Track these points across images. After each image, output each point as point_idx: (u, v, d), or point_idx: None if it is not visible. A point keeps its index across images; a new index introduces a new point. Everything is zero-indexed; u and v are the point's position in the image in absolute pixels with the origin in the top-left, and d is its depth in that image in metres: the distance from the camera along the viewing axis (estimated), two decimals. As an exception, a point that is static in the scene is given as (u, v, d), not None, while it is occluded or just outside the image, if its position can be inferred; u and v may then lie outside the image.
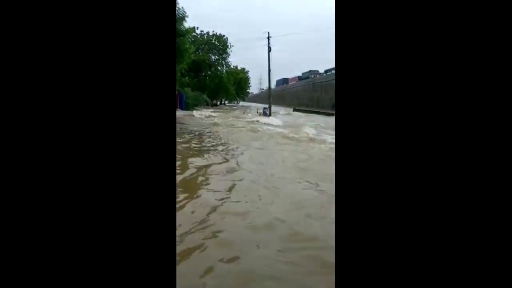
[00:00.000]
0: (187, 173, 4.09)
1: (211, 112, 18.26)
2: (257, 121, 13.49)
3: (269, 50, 19.53)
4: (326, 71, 42.50)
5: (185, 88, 19.89)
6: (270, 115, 18.52)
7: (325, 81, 39.07)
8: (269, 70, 20.04)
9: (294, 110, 27.40)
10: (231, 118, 14.22)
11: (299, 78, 51.24)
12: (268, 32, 19.62)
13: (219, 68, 30.05)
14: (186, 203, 2.93)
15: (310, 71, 48.26)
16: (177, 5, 10.51)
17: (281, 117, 17.92)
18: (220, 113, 17.62)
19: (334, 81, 36.62)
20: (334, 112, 23.17)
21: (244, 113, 21.29)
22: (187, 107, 20.32)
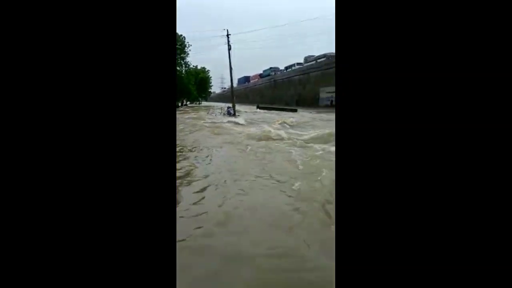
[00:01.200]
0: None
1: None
2: (222, 121, 13.09)
3: (229, 48, 19.23)
4: (286, 68, 43.32)
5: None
6: (234, 114, 18.24)
7: (286, 78, 39.83)
8: (231, 68, 19.76)
9: (258, 107, 27.44)
10: (190, 120, 13.57)
11: (260, 75, 51.65)
12: (227, 30, 19.29)
13: (177, 68, 29.02)
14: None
15: (270, 68, 48.87)
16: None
17: (246, 116, 17.69)
18: (179, 116, 16.90)
19: (294, 78, 37.60)
20: (296, 108, 23.72)
21: (208, 113, 20.73)
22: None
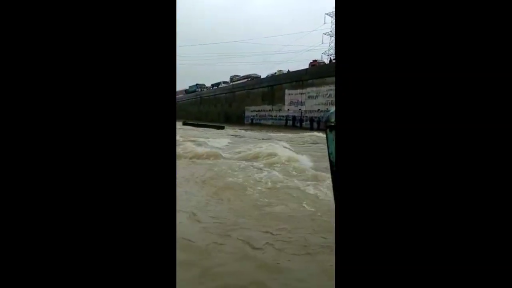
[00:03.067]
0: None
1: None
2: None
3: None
4: (212, 85, 43.82)
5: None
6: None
7: (212, 95, 40.17)
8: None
9: (184, 124, 26.84)
10: None
11: (186, 91, 50.83)
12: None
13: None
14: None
15: (196, 84, 48.64)
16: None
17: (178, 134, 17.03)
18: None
19: (221, 95, 38.19)
20: (224, 125, 24.06)
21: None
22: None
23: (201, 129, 21.51)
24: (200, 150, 7.90)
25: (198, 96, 43.82)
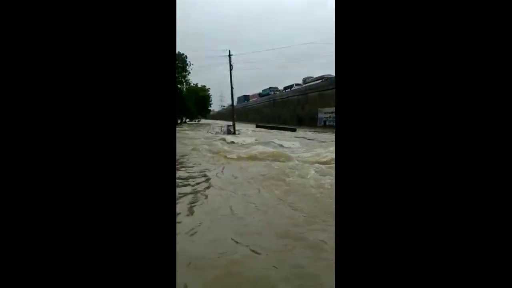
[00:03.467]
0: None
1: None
2: (225, 140, 13.08)
3: (231, 68, 19.68)
4: (285, 88, 44.06)
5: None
6: (234, 132, 18.38)
7: (285, 98, 40.42)
8: (231, 87, 20.14)
9: (257, 126, 27.66)
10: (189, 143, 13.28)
11: (259, 95, 52.41)
12: (229, 50, 19.83)
13: (178, 86, 29.48)
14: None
15: (270, 88, 49.68)
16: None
17: (249, 135, 17.70)
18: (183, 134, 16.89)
19: (293, 98, 38.13)
20: (295, 128, 23.88)
21: (208, 131, 20.85)
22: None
23: (274, 131, 21.77)
24: (270, 151, 8.11)
25: (271, 99, 44.64)
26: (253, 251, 2.27)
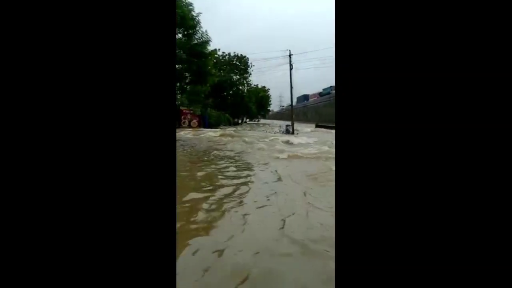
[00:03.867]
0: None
1: (233, 131, 18.29)
2: (280, 139, 13.15)
3: (291, 68, 19.66)
4: (347, 86, 42.01)
5: (209, 109, 20.35)
6: (293, 132, 18.30)
7: (347, 96, 38.55)
8: (291, 87, 20.09)
9: (317, 126, 27.05)
10: (252, 140, 13.85)
11: (320, 94, 51.08)
12: (289, 50, 19.81)
13: (240, 87, 30.64)
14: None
15: (330, 86, 48.03)
16: (201, 29, 10.86)
17: (306, 134, 17.43)
18: (240, 132, 17.50)
19: (356, 96, 36.23)
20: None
21: (266, 131, 21.22)
22: (210, 126, 20.74)
23: (334, 131, 21.02)
24: (325, 149, 8.13)
25: (331, 98, 43.14)
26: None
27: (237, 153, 8.03)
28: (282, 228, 2.55)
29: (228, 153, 7.82)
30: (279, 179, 4.75)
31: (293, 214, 2.94)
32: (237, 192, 3.83)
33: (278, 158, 7.25)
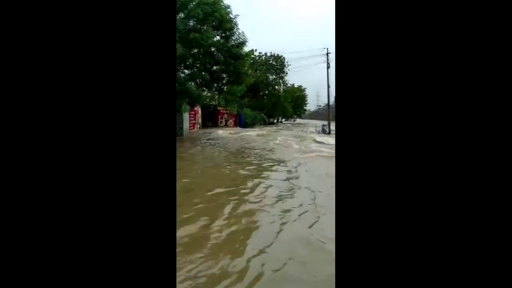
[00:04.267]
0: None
1: (268, 130, 18.40)
2: (314, 139, 12.98)
3: (328, 66, 19.22)
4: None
5: (244, 108, 20.70)
6: (329, 132, 17.89)
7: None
8: (328, 86, 19.64)
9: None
10: (285, 138, 13.89)
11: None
12: (327, 49, 19.40)
13: (276, 87, 30.64)
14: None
15: (371, 85, 45.75)
16: (238, 30, 11.10)
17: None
18: (274, 131, 17.55)
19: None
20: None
21: (301, 130, 20.99)
22: (246, 125, 21.07)
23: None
24: None
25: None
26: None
27: (269, 150, 8.32)
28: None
29: (265, 152, 8.07)
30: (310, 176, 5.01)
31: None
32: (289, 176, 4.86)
33: (313, 157, 7.31)
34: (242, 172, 5.43)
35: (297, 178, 4.99)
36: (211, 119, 20.39)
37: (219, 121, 20.76)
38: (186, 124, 14.76)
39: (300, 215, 3.10)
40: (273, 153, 7.92)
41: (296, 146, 9.64)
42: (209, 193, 3.81)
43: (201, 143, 10.68)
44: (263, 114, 26.26)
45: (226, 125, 20.70)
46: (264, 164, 6.32)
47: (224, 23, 10.66)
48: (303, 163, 6.46)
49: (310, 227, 2.77)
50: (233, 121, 21.30)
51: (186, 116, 14.52)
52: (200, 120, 18.52)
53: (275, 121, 34.29)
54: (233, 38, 11.18)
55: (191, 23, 10.25)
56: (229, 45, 10.93)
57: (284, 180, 4.76)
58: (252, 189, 4.13)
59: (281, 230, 2.70)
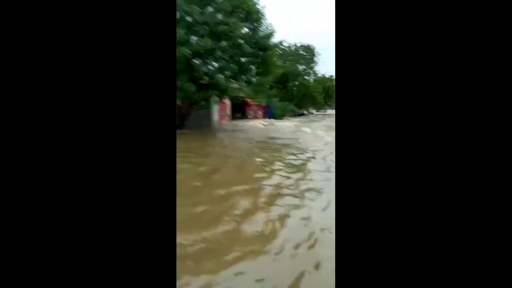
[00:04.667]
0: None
1: (297, 122, 18.19)
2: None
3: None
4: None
5: (273, 99, 20.67)
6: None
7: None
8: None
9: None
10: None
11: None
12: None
13: (306, 77, 30.10)
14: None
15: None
16: (265, 21, 11.08)
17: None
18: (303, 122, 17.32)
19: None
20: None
21: (332, 121, 20.51)
22: (275, 117, 21.07)
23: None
24: None
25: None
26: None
27: (295, 138, 8.51)
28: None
29: (294, 143, 8.25)
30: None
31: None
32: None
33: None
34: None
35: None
36: (240, 111, 20.68)
37: (247, 113, 20.99)
38: (215, 117, 15.14)
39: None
40: (293, 145, 8.06)
41: (329, 138, 9.60)
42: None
43: (231, 135, 10.94)
44: (292, 106, 26.01)
45: (255, 117, 20.87)
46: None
47: (252, 14, 10.69)
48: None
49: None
50: (262, 113, 21.39)
51: (215, 108, 14.89)
52: (229, 113, 18.87)
53: (305, 112, 33.79)
54: (261, 29, 11.18)
55: (220, 16, 10.41)
56: (257, 36, 10.96)
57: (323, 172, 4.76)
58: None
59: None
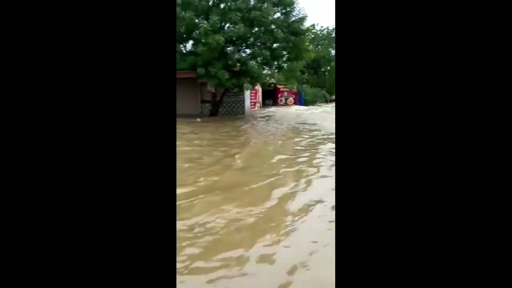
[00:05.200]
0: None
1: (329, 108, 17.83)
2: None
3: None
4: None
5: (304, 86, 20.43)
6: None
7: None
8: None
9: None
10: None
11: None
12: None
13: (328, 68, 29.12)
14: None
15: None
16: (298, 5, 10.93)
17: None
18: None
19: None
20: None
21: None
22: (306, 103, 20.87)
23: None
24: None
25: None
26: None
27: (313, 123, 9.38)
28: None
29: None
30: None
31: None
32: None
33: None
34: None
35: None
36: (271, 98, 20.70)
37: (278, 99, 20.94)
38: (247, 103, 15.39)
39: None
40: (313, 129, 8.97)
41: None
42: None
43: (265, 121, 11.12)
44: (324, 92, 25.47)
45: (285, 103, 20.81)
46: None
47: (283, -1, 10.61)
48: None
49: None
50: (293, 99, 21.22)
51: (247, 94, 15.12)
52: (260, 99, 19.00)
53: (326, 100, 32.79)
54: (293, 14, 11.05)
55: (252, 1, 10.45)
56: (289, 21, 10.88)
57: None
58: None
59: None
